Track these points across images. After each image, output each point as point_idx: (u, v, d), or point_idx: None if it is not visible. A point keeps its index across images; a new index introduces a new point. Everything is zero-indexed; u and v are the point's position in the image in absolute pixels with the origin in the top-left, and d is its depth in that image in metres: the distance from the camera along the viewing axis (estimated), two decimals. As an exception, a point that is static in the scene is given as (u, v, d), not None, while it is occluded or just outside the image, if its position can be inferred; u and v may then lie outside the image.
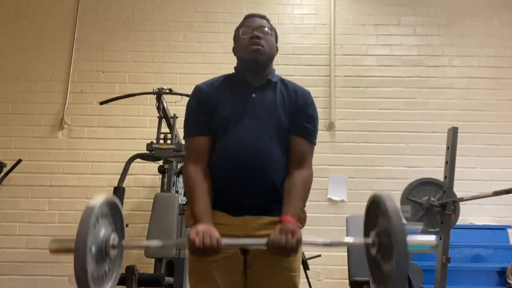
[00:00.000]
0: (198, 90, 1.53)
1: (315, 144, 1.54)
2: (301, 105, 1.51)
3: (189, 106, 1.53)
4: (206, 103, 1.49)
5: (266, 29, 1.51)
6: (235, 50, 1.58)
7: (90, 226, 1.13)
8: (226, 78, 1.57)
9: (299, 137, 1.48)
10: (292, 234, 1.25)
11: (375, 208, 1.28)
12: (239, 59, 1.55)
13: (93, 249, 1.16)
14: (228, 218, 1.41)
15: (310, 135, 1.51)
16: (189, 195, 1.42)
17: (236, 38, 1.57)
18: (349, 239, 1.30)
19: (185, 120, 1.52)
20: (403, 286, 1.14)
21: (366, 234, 1.34)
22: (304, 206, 1.45)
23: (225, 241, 1.27)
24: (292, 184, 1.42)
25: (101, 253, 1.21)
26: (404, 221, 1.13)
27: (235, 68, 1.58)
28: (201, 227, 1.28)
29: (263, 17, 1.56)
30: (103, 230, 1.23)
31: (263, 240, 1.27)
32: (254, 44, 1.46)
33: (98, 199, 1.20)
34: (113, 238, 1.25)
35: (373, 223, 1.31)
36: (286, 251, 1.25)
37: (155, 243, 1.33)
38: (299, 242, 1.25)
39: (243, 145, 1.42)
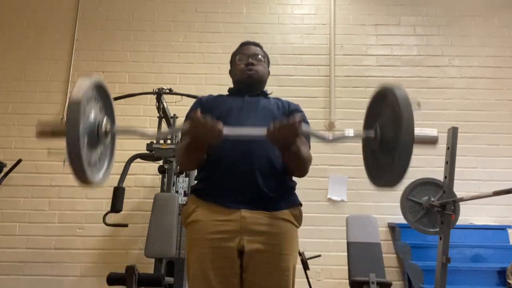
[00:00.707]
0: (198, 99, 1.68)
1: (309, 147, 1.56)
2: (292, 110, 1.63)
3: (188, 113, 1.60)
4: (205, 107, 1.59)
5: (260, 56, 1.70)
6: (231, 73, 1.75)
7: (81, 109, 1.03)
8: (223, 93, 1.74)
9: None
10: (292, 117, 1.23)
11: (382, 99, 1.22)
12: (235, 82, 1.73)
13: (85, 132, 1.07)
14: (223, 212, 1.42)
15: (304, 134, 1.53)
16: (180, 149, 1.47)
17: (232, 63, 1.75)
18: (350, 132, 1.26)
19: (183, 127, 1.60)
20: (401, 177, 1.11)
21: (368, 126, 1.30)
22: (305, 153, 1.43)
23: (226, 130, 1.23)
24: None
25: (93, 137, 1.13)
26: (413, 111, 1.10)
27: (230, 88, 1.74)
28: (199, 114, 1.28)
29: (257, 44, 1.75)
30: (93, 114, 1.14)
31: (263, 130, 1.22)
32: (249, 70, 1.65)
33: (86, 82, 1.09)
34: (105, 122, 1.18)
35: (377, 114, 1.26)
36: (286, 133, 1.23)
37: (149, 131, 1.30)
38: (300, 121, 1.23)
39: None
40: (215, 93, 1.72)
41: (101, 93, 1.22)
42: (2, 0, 4.45)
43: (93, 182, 1.11)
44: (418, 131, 1.09)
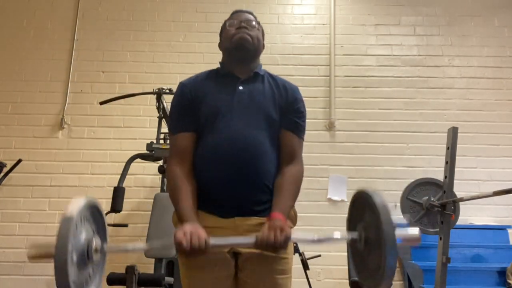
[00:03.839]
0: (181, 86, 1.51)
1: (303, 140, 1.52)
2: (291, 100, 1.50)
3: (173, 103, 1.50)
4: (190, 98, 1.46)
5: (253, 23, 1.52)
6: (221, 44, 1.59)
7: (70, 231, 1.09)
8: (211, 72, 1.57)
9: (290, 132, 1.46)
10: (280, 230, 1.22)
11: (361, 203, 1.29)
12: (225, 51, 1.55)
13: (75, 254, 1.12)
14: (216, 220, 1.36)
15: (300, 131, 1.49)
16: (173, 196, 1.39)
17: (222, 31, 1.58)
18: (337, 235, 1.33)
19: (169, 117, 1.52)
20: (390, 280, 1.15)
21: (351, 228, 1.36)
22: (294, 204, 1.42)
23: (213, 241, 1.24)
24: (283, 181, 1.39)
25: (83, 258, 1.17)
26: (391, 215, 1.16)
27: (220, 62, 1.58)
28: (187, 227, 1.24)
29: (250, 12, 1.57)
30: (84, 234, 1.19)
31: (252, 239, 1.24)
32: (242, 32, 1.47)
33: (78, 203, 1.16)
34: (96, 242, 1.22)
35: (358, 217, 1.31)
36: (275, 248, 1.23)
37: (140, 246, 1.32)
38: (287, 239, 1.23)
39: (231, 136, 1.39)
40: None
41: (93, 212, 1.27)
42: (2, 0, 4.45)
43: None
44: (401, 233, 1.16)
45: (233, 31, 1.48)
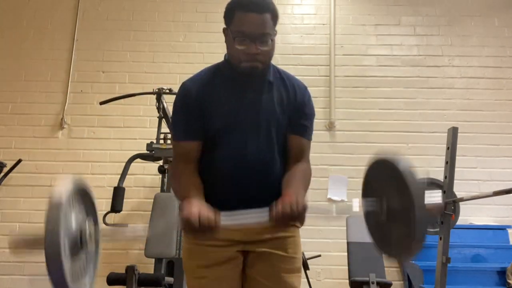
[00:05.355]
0: (185, 89, 1.39)
1: (311, 140, 1.50)
2: (300, 103, 1.43)
3: (176, 106, 1.41)
4: (197, 105, 1.36)
5: (268, 38, 1.28)
6: (227, 48, 1.38)
7: (61, 216, 0.96)
8: (215, 72, 1.43)
9: (298, 136, 1.45)
10: (297, 201, 1.16)
11: (381, 171, 1.23)
12: (232, 65, 1.37)
13: (67, 242, 0.98)
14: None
15: (307, 133, 1.48)
16: (177, 182, 1.35)
17: (228, 37, 1.34)
18: (356, 206, 1.27)
19: (172, 120, 1.43)
20: (420, 247, 1.09)
21: (367, 195, 1.30)
22: (305, 195, 1.36)
23: (224, 219, 1.14)
24: (291, 175, 1.37)
25: (76, 245, 1.04)
26: (419, 181, 1.11)
27: (226, 60, 1.42)
28: (195, 203, 1.15)
29: (266, 10, 1.27)
30: (76, 219, 1.05)
31: (265, 214, 1.15)
32: (252, 61, 1.29)
33: (65, 185, 1.03)
34: (89, 227, 1.09)
35: (378, 185, 1.25)
36: (292, 219, 1.16)
37: (139, 228, 1.25)
38: (305, 208, 1.16)
39: (241, 157, 1.34)
40: None
41: (83, 195, 1.15)
42: (2, 0, 4.45)
43: None
44: (427, 201, 1.10)
45: (243, 56, 1.28)
